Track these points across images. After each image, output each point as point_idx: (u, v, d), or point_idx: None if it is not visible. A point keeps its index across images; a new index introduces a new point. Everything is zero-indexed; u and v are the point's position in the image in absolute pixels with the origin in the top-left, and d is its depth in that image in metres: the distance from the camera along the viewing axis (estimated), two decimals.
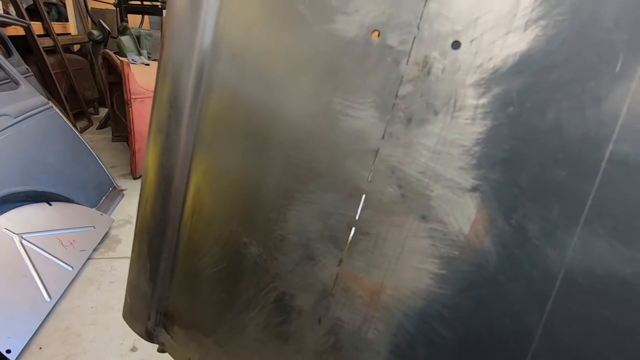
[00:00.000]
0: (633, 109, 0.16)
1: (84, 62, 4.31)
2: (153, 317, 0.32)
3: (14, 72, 2.57)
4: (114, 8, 3.79)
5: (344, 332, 0.23)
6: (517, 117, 0.18)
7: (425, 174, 0.20)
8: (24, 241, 1.92)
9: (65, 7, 4.22)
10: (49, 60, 3.55)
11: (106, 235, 2.38)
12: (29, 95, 2.51)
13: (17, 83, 2.51)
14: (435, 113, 0.20)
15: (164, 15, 4.13)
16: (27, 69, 2.97)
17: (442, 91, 0.20)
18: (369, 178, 0.21)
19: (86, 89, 4.27)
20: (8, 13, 3.17)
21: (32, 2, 3.61)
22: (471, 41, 0.19)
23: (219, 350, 0.28)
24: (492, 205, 0.18)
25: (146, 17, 4.47)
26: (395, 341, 0.21)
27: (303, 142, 0.23)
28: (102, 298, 1.94)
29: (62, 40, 3.94)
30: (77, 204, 2.38)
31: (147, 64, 3.22)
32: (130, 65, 2.93)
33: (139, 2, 3.93)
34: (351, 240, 0.21)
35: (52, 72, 3.53)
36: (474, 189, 0.18)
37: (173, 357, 0.32)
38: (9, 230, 1.89)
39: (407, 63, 0.21)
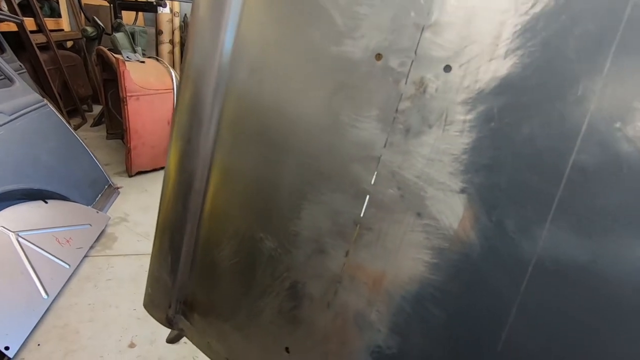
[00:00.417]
0: (591, 126, 0.20)
1: (77, 58, 4.27)
2: (174, 305, 0.36)
3: (7, 69, 2.56)
4: (108, 4, 3.76)
5: (349, 314, 0.26)
6: (497, 130, 0.22)
7: (420, 178, 0.23)
8: (20, 239, 1.92)
9: (58, 3, 4.17)
10: (42, 56, 3.52)
11: (102, 233, 2.39)
12: (23, 93, 2.50)
13: (11, 80, 2.50)
14: (430, 126, 0.24)
15: (159, 12, 4.11)
16: (20, 65, 2.95)
17: (436, 107, 0.24)
18: (373, 181, 0.24)
19: (80, 86, 4.23)
20: (0, 9, 3.14)
21: None
22: (460, 66, 0.23)
23: (237, 334, 0.32)
24: (476, 204, 0.22)
25: (140, 13, 4.44)
26: (395, 320, 0.25)
27: (315, 150, 0.27)
28: (100, 295, 1.96)
29: (55, 37, 3.90)
30: (72, 201, 2.39)
31: (142, 62, 3.21)
32: (126, 62, 2.92)
33: None
34: (357, 235, 0.25)
35: (45, 69, 3.50)
36: (462, 190, 0.22)
37: (192, 342, 0.35)
38: (5, 228, 1.89)
39: (405, 83, 0.24)
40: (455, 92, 0.23)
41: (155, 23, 4.16)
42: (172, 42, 4.25)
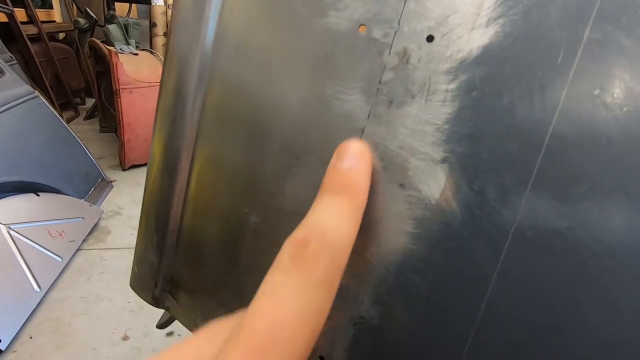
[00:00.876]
0: (570, 95, 0.20)
1: (69, 51, 4.22)
2: (160, 284, 0.36)
3: None
4: None
5: None
6: (479, 100, 0.22)
7: (403, 149, 0.23)
8: (11, 231, 1.91)
9: None
10: (33, 48, 3.46)
11: (95, 226, 2.38)
12: (14, 84, 2.48)
13: (1, 71, 2.46)
14: (412, 96, 0.24)
15: (153, 4, 4.06)
16: (11, 56, 2.91)
17: (418, 78, 0.24)
18: None
19: (72, 78, 4.18)
20: None
21: None
22: (442, 35, 0.23)
23: (222, 310, 0.32)
24: (458, 173, 0.22)
25: (134, 5, 4.39)
26: (377, 291, 0.25)
27: (299, 123, 0.27)
28: (93, 289, 1.95)
29: (46, 28, 3.84)
30: (65, 194, 2.37)
31: (136, 54, 3.18)
32: (119, 54, 2.89)
33: None
34: None
35: (37, 61, 3.45)
36: (444, 160, 0.22)
37: (179, 320, 0.35)
38: None
39: (389, 53, 0.24)
40: (437, 62, 0.23)
41: (149, 15, 4.11)
42: (166, 35, 4.21)
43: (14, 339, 1.60)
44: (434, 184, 0.24)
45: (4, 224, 1.91)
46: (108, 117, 3.67)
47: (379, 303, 0.25)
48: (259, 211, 0.29)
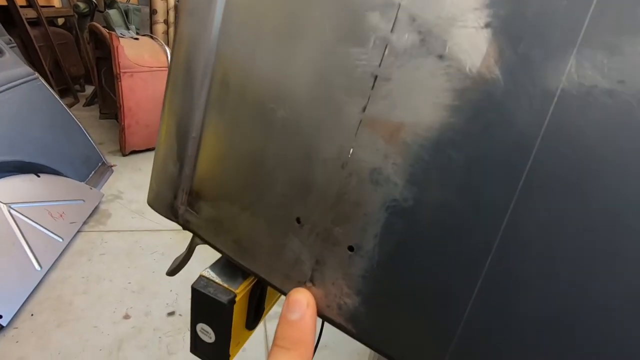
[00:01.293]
0: None
1: (69, 36, 4.19)
2: (180, 196, 0.35)
3: None
4: None
5: (365, 171, 0.26)
6: None
7: (442, 18, 0.23)
8: (12, 211, 1.90)
9: None
10: (32, 32, 3.43)
11: (96, 209, 2.37)
12: (13, 65, 2.46)
13: (1, 51, 2.44)
14: None
15: None
16: (10, 39, 2.89)
17: None
18: (391, 28, 0.24)
19: (72, 64, 4.16)
20: None
21: None
22: None
23: (245, 213, 0.31)
24: (501, 38, 0.21)
25: None
26: (412, 171, 0.25)
27: (332, 1, 0.26)
28: (94, 269, 1.95)
29: (46, 13, 3.82)
30: (65, 177, 2.36)
31: (137, 39, 3.16)
32: (120, 38, 2.87)
33: None
34: (374, 87, 0.24)
35: (36, 45, 3.43)
36: (487, 25, 0.22)
37: (198, 233, 0.34)
38: None
39: None
40: None
41: (150, 2, 4.08)
42: (166, 22, 4.18)
43: (15, 316, 1.60)
44: (476, 51, 0.23)
45: (5, 203, 1.91)
46: (108, 104, 3.65)
47: (413, 182, 0.24)
48: (286, 104, 0.28)
